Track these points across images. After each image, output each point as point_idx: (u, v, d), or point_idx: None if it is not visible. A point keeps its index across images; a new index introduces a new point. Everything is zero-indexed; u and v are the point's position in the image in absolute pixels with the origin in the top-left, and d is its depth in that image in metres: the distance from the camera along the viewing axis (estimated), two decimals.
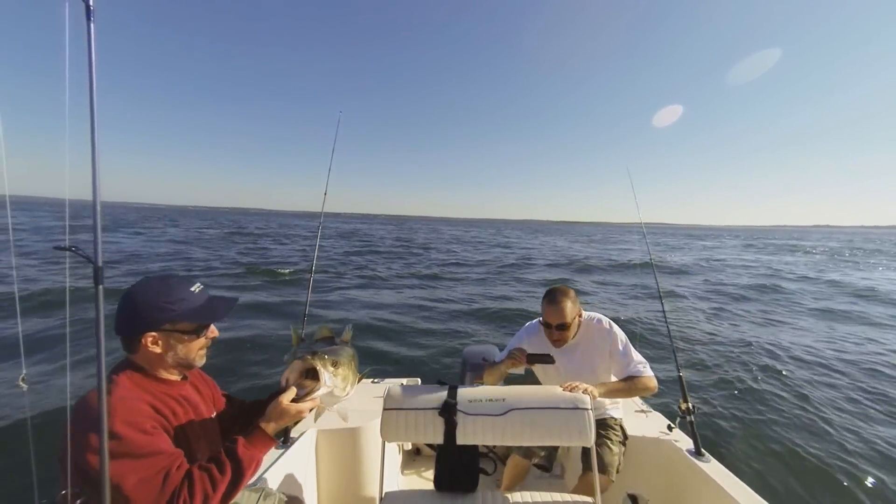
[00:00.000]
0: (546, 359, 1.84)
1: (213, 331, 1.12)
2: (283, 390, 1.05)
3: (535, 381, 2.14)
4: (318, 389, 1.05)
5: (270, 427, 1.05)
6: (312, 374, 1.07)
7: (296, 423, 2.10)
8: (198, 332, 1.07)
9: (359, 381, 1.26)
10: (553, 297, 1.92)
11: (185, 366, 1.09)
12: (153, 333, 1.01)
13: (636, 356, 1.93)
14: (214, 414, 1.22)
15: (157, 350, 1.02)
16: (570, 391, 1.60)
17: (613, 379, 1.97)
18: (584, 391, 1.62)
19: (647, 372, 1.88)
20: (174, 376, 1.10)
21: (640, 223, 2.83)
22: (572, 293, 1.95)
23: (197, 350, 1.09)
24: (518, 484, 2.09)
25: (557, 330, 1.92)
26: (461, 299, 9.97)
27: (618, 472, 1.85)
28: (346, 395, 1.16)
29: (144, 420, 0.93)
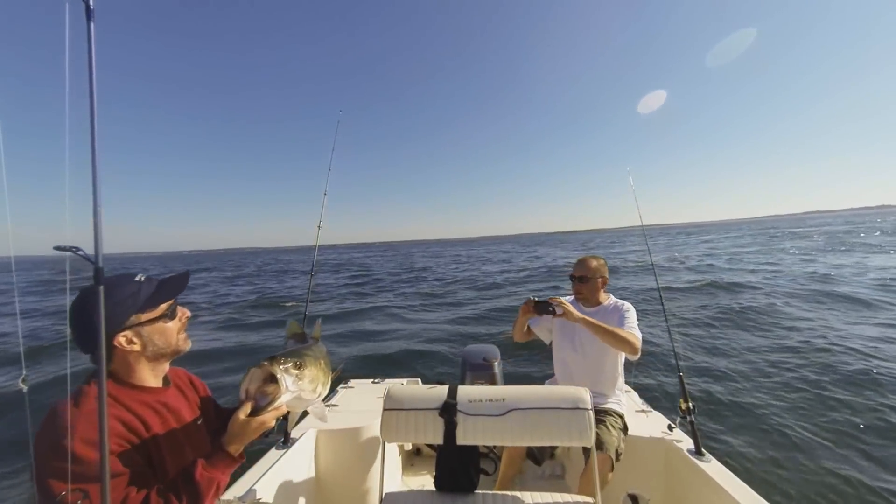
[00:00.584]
0: (548, 308, 2.02)
1: (185, 311, 1.10)
2: (241, 403, 0.97)
3: (539, 380, 2.16)
4: (280, 396, 0.95)
5: (233, 446, 0.97)
6: (274, 379, 0.97)
7: (295, 424, 2.11)
8: (167, 315, 1.04)
9: (334, 378, 1.19)
10: (583, 256, 2.26)
11: (171, 353, 1.06)
12: (124, 333, 0.98)
13: (636, 327, 2.04)
14: (201, 420, 1.16)
15: (136, 347, 0.99)
16: (553, 300, 1.99)
17: (622, 360, 2.13)
18: (560, 304, 1.97)
19: (636, 332, 2.00)
20: (151, 381, 1.05)
21: (641, 225, 2.83)
22: (602, 260, 2.24)
23: (175, 334, 1.06)
24: (515, 472, 2.13)
25: (578, 282, 2.19)
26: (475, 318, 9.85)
27: (618, 456, 1.85)
28: (319, 396, 1.07)
29: (107, 439, 0.88)
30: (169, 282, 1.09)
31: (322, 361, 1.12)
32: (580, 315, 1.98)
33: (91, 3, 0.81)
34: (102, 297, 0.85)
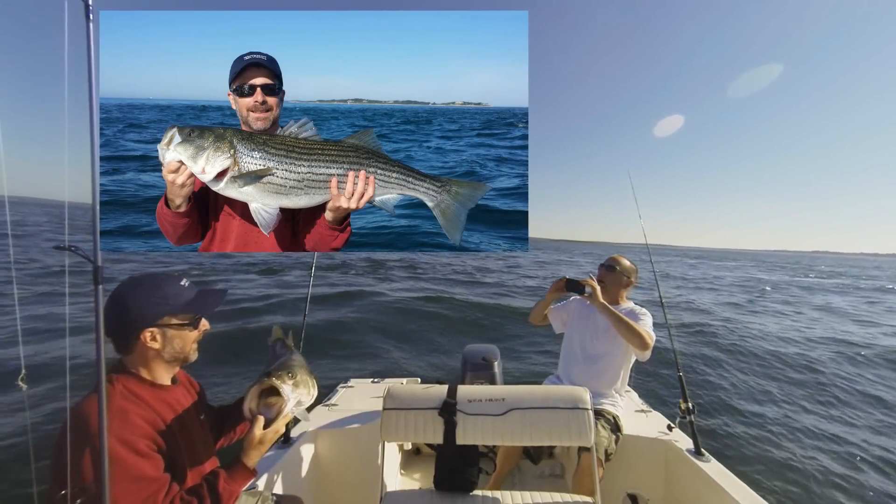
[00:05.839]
0: (580, 287, 2.10)
1: (205, 324, 1.14)
2: (251, 421, 1.06)
3: (537, 381, 2.16)
4: (286, 405, 1.09)
5: (252, 460, 1.07)
6: (273, 392, 1.09)
7: (295, 424, 2.11)
8: (193, 324, 1.09)
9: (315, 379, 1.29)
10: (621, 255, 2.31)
11: (181, 360, 1.10)
12: (151, 329, 1.01)
13: (651, 329, 2.05)
14: (203, 416, 1.21)
15: (156, 346, 1.03)
16: (587, 280, 2.08)
17: (627, 365, 2.13)
18: (592, 286, 2.05)
19: (650, 331, 2.01)
20: (165, 380, 1.10)
21: (641, 224, 2.81)
22: (636, 267, 2.26)
23: (192, 343, 1.10)
24: (511, 468, 2.14)
25: (605, 269, 2.22)
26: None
27: (608, 457, 1.84)
28: (312, 397, 1.19)
29: (139, 439, 0.92)
30: (208, 294, 1.14)
31: (305, 367, 1.24)
32: (602, 300, 2.03)
33: (91, 2, 0.81)
34: (101, 297, 0.85)
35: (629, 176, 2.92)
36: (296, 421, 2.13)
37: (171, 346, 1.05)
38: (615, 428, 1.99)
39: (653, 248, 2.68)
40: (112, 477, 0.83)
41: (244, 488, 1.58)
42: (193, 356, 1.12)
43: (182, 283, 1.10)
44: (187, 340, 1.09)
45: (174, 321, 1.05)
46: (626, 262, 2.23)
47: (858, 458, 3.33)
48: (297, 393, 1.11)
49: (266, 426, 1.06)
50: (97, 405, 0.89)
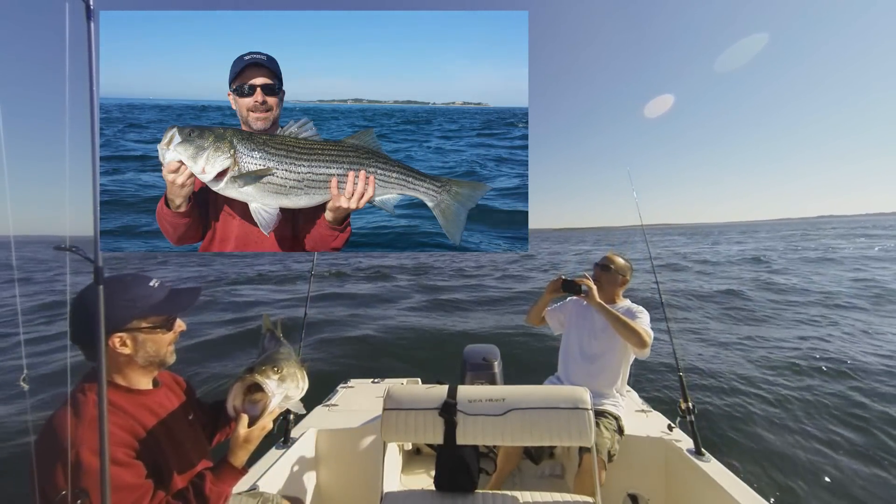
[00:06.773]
0: (576, 287, 2.09)
1: (181, 324, 1.10)
2: (236, 419, 1.02)
3: (538, 380, 2.16)
4: (271, 401, 1.03)
5: (238, 459, 1.02)
6: (258, 388, 1.04)
7: (295, 424, 2.11)
8: (165, 325, 1.04)
9: (306, 369, 1.25)
10: (615, 253, 2.30)
11: (157, 364, 1.05)
12: (120, 334, 0.97)
13: (648, 326, 2.05)
14: (192, 416, 1.18)
15: (127, 351, 0.99)
16: (583, 280, 2.07)
17: (626, 363, 2.13)
18: (589, 286, 2.04)
19: (648, 329, 2.01)
20: (145, 384, 1.06)
21: (641, 224, 2.82)
22: (630, 265, 2.27)
23: (167, 345, 1.06)
24: (511, 469, 2.15)
25: (600, 269, 2.22)
26: None
27: (611, 458, 1.85)
28: (302, 390, 1.14)
29: (116, 448, 0.90)
30: (180, 294, 1.09)
31: (293, 359, 1.18)
32: (599, 300, 2.03)
33: (91, 2, 0.81)
34: (102, 297, 0.85)
35: (629, 176, 2.94)
36: (297, 419, 2.14)
37: (144, 350, 1.01)
38: (618, 429, 1.99)
39: (654, 229, 2.67)
40: (91, 488, 0.81)
41: (246, 489, 1.59)
42: (171, 359, 1.08)
43: (151, 283, 1.05)
44: (161, 343, 1.04)
45: (144, 324, 1.00)
46: (621, 261, 2.23)
47: (862, 456, 3.33)
48: (283, 387, 1.06)
49: (252, 423, 1.01)
50: (72, 415, 0.87)
